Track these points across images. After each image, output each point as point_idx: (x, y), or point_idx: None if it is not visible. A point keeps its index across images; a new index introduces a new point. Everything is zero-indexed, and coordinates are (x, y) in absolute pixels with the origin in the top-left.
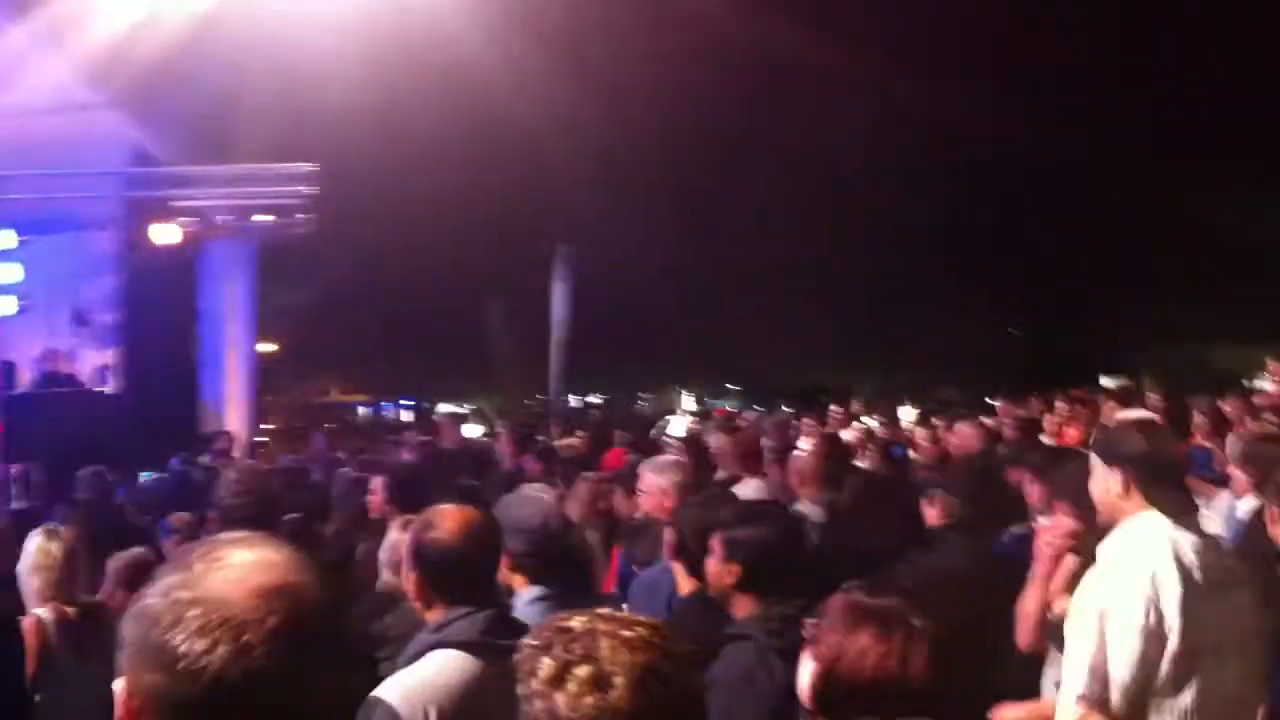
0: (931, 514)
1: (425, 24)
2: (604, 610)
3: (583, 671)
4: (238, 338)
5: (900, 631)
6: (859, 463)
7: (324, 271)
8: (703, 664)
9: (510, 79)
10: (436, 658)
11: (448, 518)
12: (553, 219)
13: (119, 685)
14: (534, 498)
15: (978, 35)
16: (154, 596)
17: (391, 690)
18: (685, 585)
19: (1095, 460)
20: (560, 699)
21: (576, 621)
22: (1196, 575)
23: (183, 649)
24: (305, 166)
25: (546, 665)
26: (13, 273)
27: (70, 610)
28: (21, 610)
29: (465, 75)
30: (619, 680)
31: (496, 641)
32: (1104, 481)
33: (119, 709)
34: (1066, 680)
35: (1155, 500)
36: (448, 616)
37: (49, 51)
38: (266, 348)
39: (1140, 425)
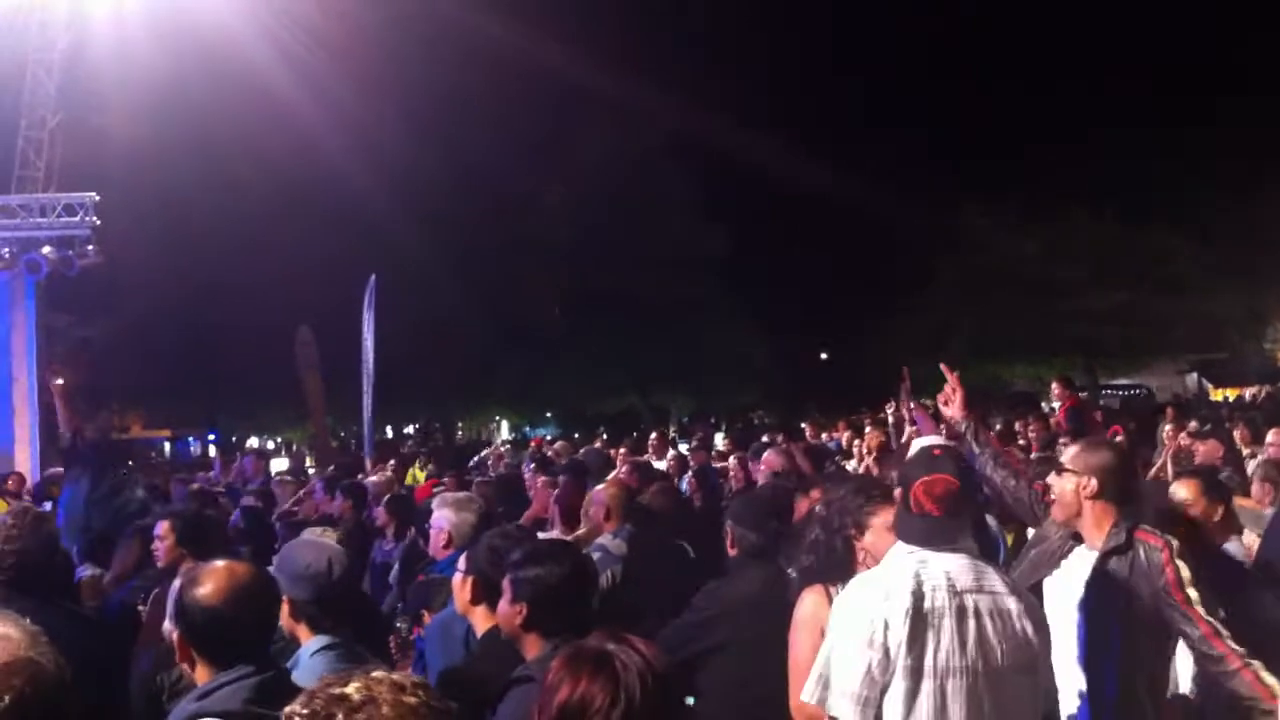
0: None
1: (227, 47)
2: (377, 673)
3: None
4: (23, 376)
5: (623, 673)
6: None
7: (120, 303)
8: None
9: (318, 107)
10: None
11: (214, 575)
12: (362, 247)
13: None
14: (317, 542)
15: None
16: None
17: None
18: (482, 624)
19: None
20: None
21: (352, 688)
22: (937, 601)
23: None
24: (89, 195)
25: None
26: None
27: None
28: None
29: (274, 106)
30: None
31: (261, 711)
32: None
33: None
34: (800, 687)
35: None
36: (213, 681)
37: None
38: (57, 384)
39: (919, 454)
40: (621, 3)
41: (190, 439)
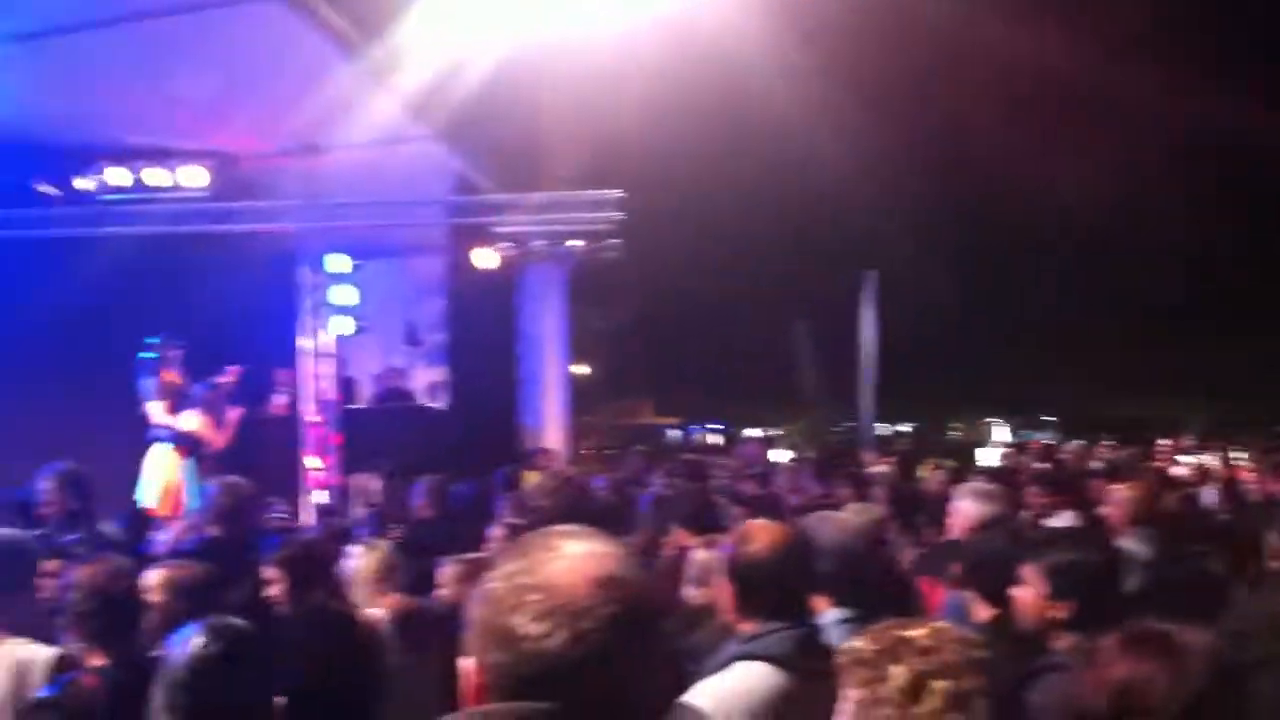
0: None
1: (730, 52)
2: (941, 623)
3: (940, 686)
4: (553, 359)
5: (1184, 661)
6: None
7: (635, 296)
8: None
9: (816, 104)
10: (744, 668)
11: (763, 533)
12: (860, 242)
13: (467, 663)
14: (840, 518)
15: None
16: (497, 581)
17: (701, 696)
18: (982, 612)
19: None
20: (918, 712)
21: (919, 632)
22: None
23: (523, 630)
24: (614, 193)
25: (898, 674)
26: (349, 295)
27: (395, 610)
28: (352, 610)
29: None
30: (977, 704)
31: (805, 660)
32: None
33: (466, 684)
34: None
35: None
36: (758, 630)
37: (377, 89)
38: (581, 370)
39: None
40: None
41: (696, 426)
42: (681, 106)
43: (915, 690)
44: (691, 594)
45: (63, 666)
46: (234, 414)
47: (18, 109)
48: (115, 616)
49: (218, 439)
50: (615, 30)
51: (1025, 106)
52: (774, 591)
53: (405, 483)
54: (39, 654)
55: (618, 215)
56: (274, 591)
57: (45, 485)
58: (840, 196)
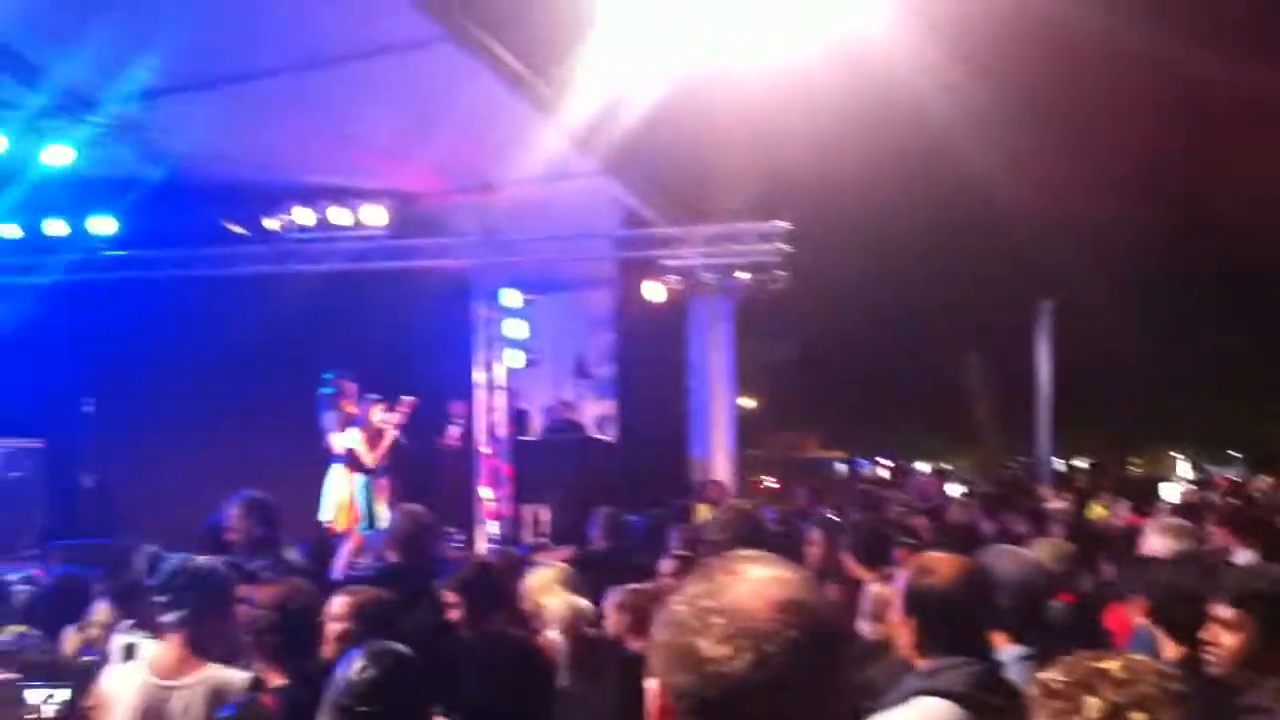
0: None
1: (900, 81)
2: (1138, 655)
3: (1137, 719)
4: (721, 392)
5: None
6: None
7: (801, 328)
8: None
9: (989, 132)
10: (922, 704)
11: (943, 565)
12: (1035, 271)
13: (651, 684)
14: (1019, 553)
15: None
16: (681, 604)
17: None
18: (1170, 650)
19: None
20: None
21: (1115, 664)
22: None
23: (707, 653)
24: (781, 225)
25: (1093, 705)
26: (521, 329)
27: (577, 636)
28: (529, 634)
29: (941, 130)
30: None
31: (986, 696)
32: None
33: (650, 705)
34: None
35: None
36: (938, 665)
37: (547, 125)
38: (747, 403)
39: None
40: None
41: (864, 460)
42: (849, 136)
43: None
44: (866, 629)
45: (256, 689)
46: (388, 435)
47: (209, 152)
48: (294, 637)
49: (371, 457)
50: (782, 61)
51: (1212, 130)
52: (954, 625)
53: (574, 514)
54: (235, 678)
55: (785, 247)
56: (454, 614)
57: (233, 512)
58: (1014, 225)
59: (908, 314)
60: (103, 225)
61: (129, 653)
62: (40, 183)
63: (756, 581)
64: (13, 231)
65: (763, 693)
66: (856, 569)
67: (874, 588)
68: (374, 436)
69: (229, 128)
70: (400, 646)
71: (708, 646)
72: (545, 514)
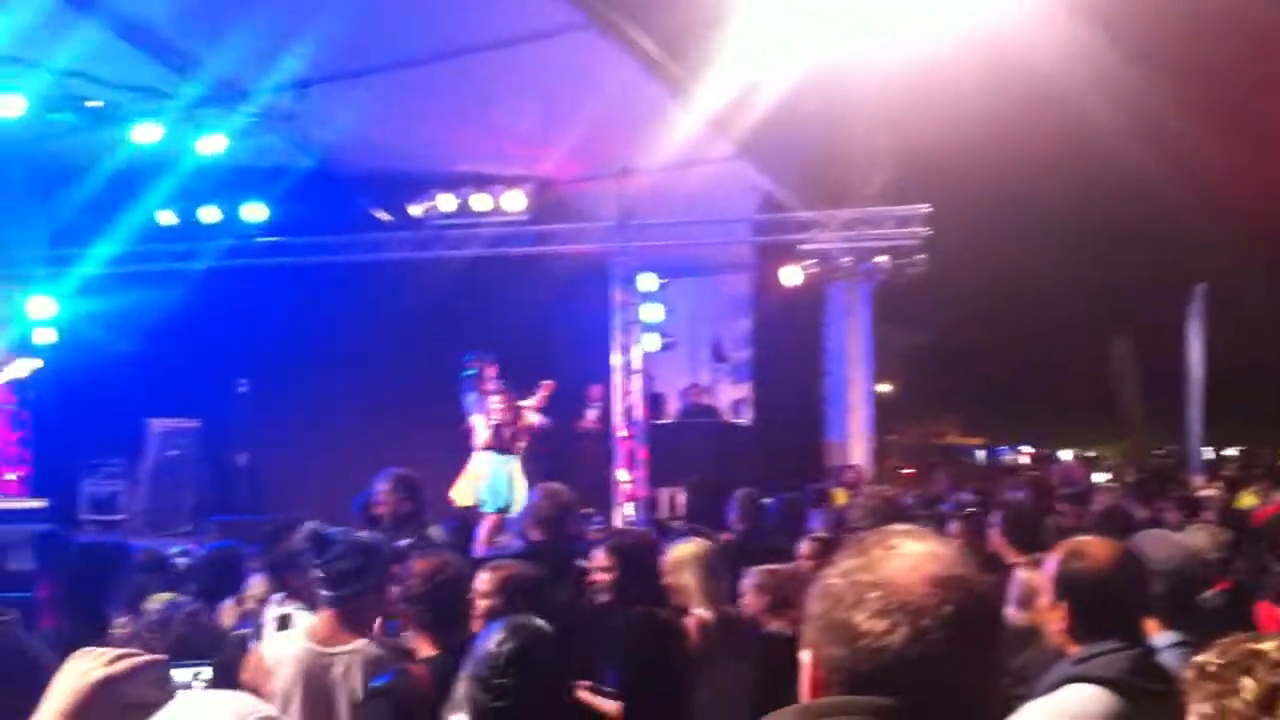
0: None
1: (1042, 63)
2: None
3: None
4: (858, 377)
5: None
6: None
7: (938, 313)
8: None
9: (1136, 112)
10: (1075, 690)
11: (1097, 549)
12: (1186, 256)
13: (805, 656)
14: (1172, 538)
15: None
16: (836, 578)
17: (1029, 718)
18: None
19: None
20: None
21: (1271, 644)
22: None
23: (864, 627)
24: (921, 208)
25: (1249, 687)
26: (657, 313)
27: (717, 615)
28: (677, 614)
29: (1085, 111)
30: None
31: (1141, 682)
32: None
33: (804, 677)
34: None
35: None
36: (1090, 650)
37: (684, 110)
38: (884, 388)
39: None
40: None
41: (1003, 447)
42: (990, 118)
43: (1268, 703)
44: (1014, 615)
45: (407, 660)
46: (527, 418)
47: (357, 141)
48: (444, 609)
49: (506, 438)
50: (922, 42)
51: None
52: (1107, 610)
53: (709, 497)
54: (387, 649)
55: (924, 230)
56: (601, 578)
57: (381, 488)
58: (1165, 208)
59: (1051, 298)
60: (254, 212)
61: (284, 623)
62: (195, 171)
63: (912, 556)
64: (169, 219)
65: (917, 667)
66: (1007, 552)
67: (1023, 573)
68: (511, 419)
69: (377, 117)
70: (539, 621)
71: (863, 620)
72: (680, 497)
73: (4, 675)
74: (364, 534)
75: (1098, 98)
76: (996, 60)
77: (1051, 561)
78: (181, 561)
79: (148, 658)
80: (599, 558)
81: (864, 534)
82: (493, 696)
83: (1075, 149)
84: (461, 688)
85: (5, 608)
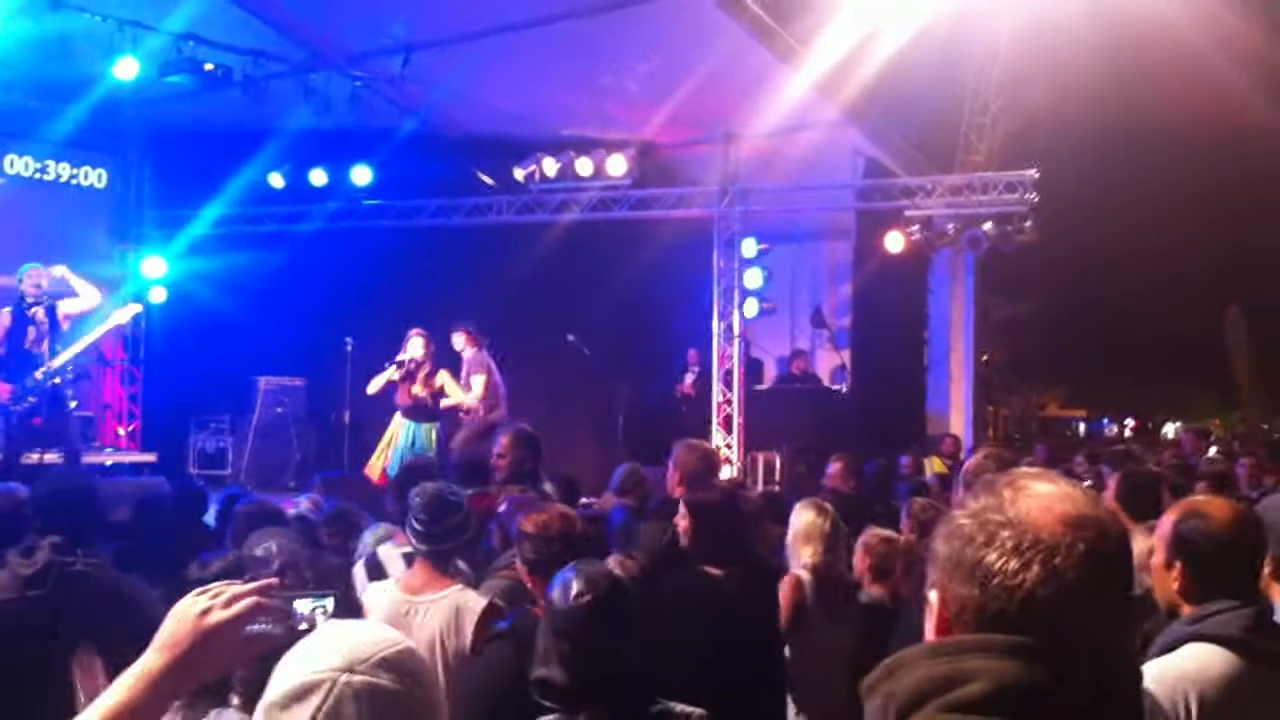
0: None
1: (1158, 25)
2: None
3: None
4: (960, 346)
5: None
6: None
7: (1045, 283)
8: None
9: (1256, 76)
10: (1193, 650)
11: (1216, 507)
12: None
13: (931, 596)
14: None
15: None
16: (966, 518)
17: (1147, 678)
18: None
19: None
20: None
21: None
22: None
23: (996, 566)
24: (1029, 173)
25: None
26: (758, 278)
27: (826, 576)
28: (777, 572)
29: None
30: None
31: (1261, 640)
32: None
33: (932, 617)
34: None
35: None
36: (1206, 610)
37: (791, 74)
38: (987, 357)
39: None
40: None
41: (1105, 419)
42: (1104, 83)
43: None
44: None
45: (491, 614)
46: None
47: (462, 106)
48: (559, 559)
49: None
50: (1034, 2)
51: None
52: (1225, 570)
53: (807, 463)
54: (476, 602)
55: (1032, 196)
56: (681, 525)
57: (502, 441)
58: None
59: (1161, 268)
60: (361, 175)
61: (382, 570)
62: (303, 135)
63: (1044, 496)
64: (278, 182)
65: (1049, 606)
66: (1124, 520)
67: (1140, 541)
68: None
69: (482, 81)
70: (614, 570)
71: (995, 559)
72: (777, 461)
73: (102, 611)
74: (456, 490)
75: (1222, 62)
76: (1114, 20)
77: (1167, 521)
78: (307, 515)
79: (267, 588)
80: (680, 512)
81: (986, 480)
82: (571, 645)
83: (1195, 115)
84: (544, 638)
85: (99, 553)
